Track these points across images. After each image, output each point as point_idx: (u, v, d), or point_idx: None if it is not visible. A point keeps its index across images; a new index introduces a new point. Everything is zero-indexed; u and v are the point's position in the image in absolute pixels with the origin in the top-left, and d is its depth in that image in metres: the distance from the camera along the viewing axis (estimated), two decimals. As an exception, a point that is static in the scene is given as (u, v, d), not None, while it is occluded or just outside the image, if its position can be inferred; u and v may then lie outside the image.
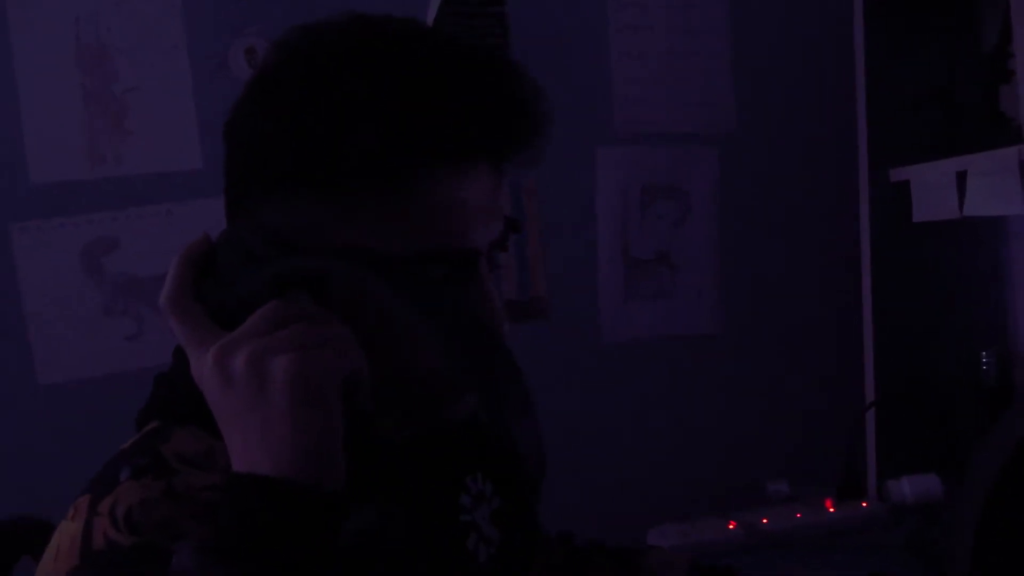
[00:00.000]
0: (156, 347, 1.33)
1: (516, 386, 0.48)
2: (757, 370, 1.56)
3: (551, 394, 0.59)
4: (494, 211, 0.56)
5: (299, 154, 0.52)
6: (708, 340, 1.55)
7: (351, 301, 0.52)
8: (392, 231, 0.52)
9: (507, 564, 0.66)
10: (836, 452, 1.38)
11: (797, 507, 1.32)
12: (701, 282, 1.55)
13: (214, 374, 0.48)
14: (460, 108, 0.52)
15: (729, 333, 1.55)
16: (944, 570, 1.00)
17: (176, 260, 0.52)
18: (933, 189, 1.29)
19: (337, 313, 0.51)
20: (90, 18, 1.32)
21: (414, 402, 0.58)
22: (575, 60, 1.47)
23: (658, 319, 1.53)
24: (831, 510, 1.31)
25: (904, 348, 1.39)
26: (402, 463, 0.57)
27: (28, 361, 1.30)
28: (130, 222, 1.34)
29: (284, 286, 0.50)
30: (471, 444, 0.68)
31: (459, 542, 0.63)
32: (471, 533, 0.64)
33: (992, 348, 1.32)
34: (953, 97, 1.36)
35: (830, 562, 1.22)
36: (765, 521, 1.29)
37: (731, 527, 1.28)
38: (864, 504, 1.33)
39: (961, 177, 1.23)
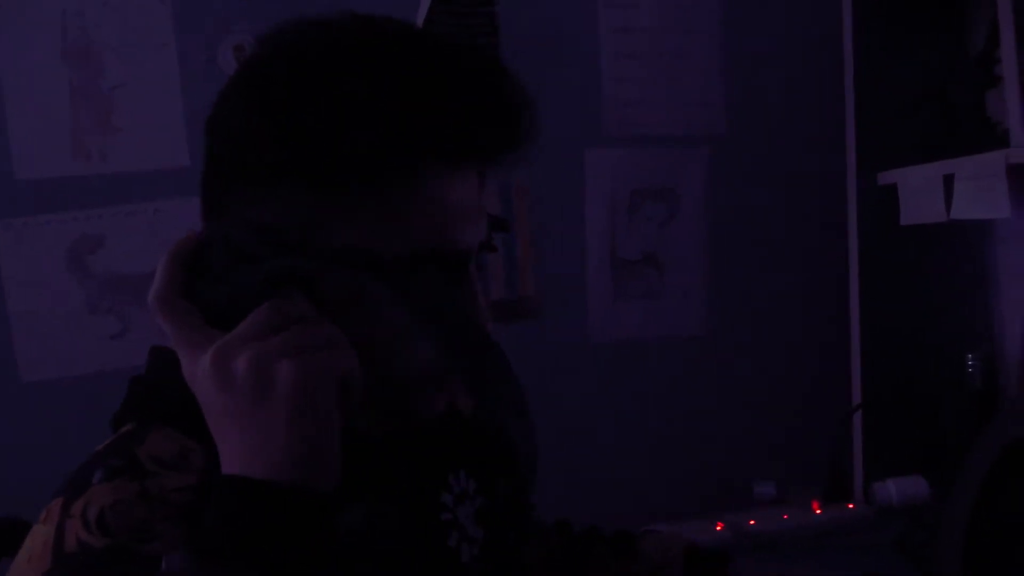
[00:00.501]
0: (141, 346, 1.31)
1: (509, 385, 0.48)
2: (744, 372, 1.57)
3: (539, 394, 0.59)
4: (481, 212, 0.57)
5: (293, 151, 0.51)
6: (695, 341, 1.55)
7: (342, 300, 0.52)
8: (385, 231, 0.52)
9: (492, 563, 0.66)
10: (823, 454, 1.38)
11: (784, 509, 1.33)
12: (689, 283, 1.55)
13: (212, 375, 0.47)
14: (456, 110, 0.52)
15: (716, 334, 1.56)
16: (932, 571, 1.01)
17: (165, 258, 0.51)
18: (920, 192, 1.29)
19: (328, 312, 0.50)
20: (77, 14, 1.31)
21: (393, 399, 0.58)
22: (566, 61, 1.47)
23: (646, 320, 1.54)
24: (818, 512, 1.32)
25: (891, 350, 1.39)
26: (380, 461, 0.57)
27: (11, 359, 1.29)
28: (116, 220, 1.33)
29: (278, 285, 0.49)
30: (453, 442, 0.68)
31: (440, 541, 0.63)
32: (452, 532, 0.63)
33: (978, 351, 1.32)
34: (941, 101, 1.36)
35: (817, 563, 1.22)
36: (752, 523, 1.29)
37: (718, 528, 1.28)
38: (851, 506, 1.33)
39: (948, 181, 1.23)
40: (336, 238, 0.52)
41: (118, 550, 0.48)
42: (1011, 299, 1.36)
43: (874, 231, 1.39)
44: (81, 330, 1.32)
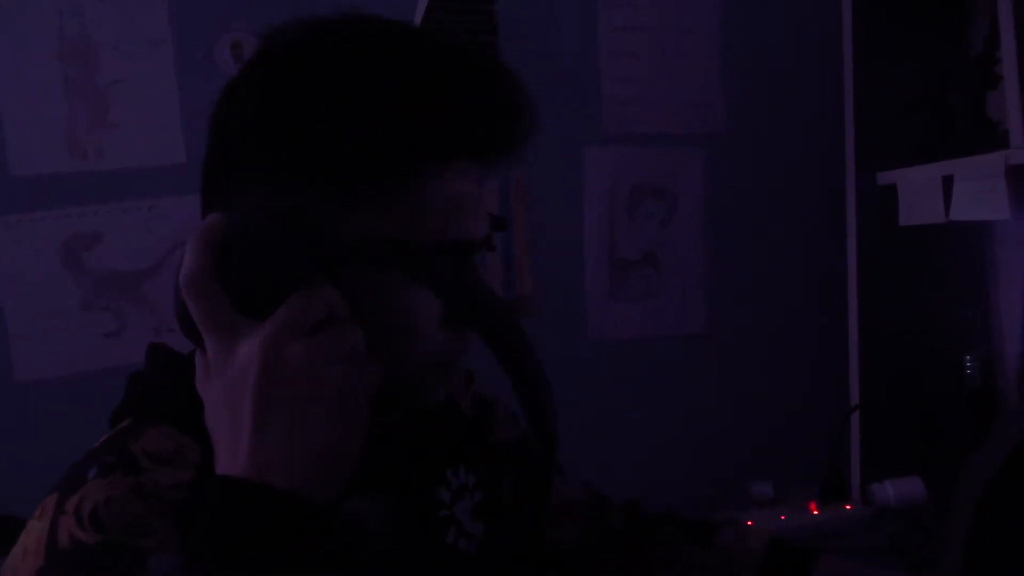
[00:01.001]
0: (136, 344, 1.31)
1: (540, 368, 0.50)
2: (742, 371, 1.56)
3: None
4: (482, 207, 0.57)
5: (299, 148, 0.52)
6: (694, 340, 1.55)
7: (362, 291, 0.52)
8: (388, 225, 0.53)
9: (492, 558, 0.65)
10: (821, 454, 1.38)
11: (781, 509, 1.33)
12: (687, 282, 1.55)
13: (259, 362, 0.46)
14: (457, 109, 0.53)
15: (714, 334, 1.55)
16: (930, 573, 1.01)
17: (195, 240, 0.49)
18: (920, 193, 1.29)
19: (348, 300, 0.51)
20: (74, 10, 1.30)
21: (398, 393, 0.57)
22: (565, 59, 1.47)
23: (644, 319, 1.53)
24: (815, 512, 1.31)
25: (889, 351, 1.39)
26: (376, 458, 0.56)
27: (5, 357, 1.29)
28: (112, 216, 1.32)
29: (306, 274, 0.50)
30: (451, 437, 0.68)
31: (437, 537, 0.62)
32: (450, 527, 0.63)
33: (975, 352, 1.32)
34: (941, 102, 1.36)
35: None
36: (749, 523, 1.29)
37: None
38: (848, 506, 1.33)
39: (948, 181, 1.23)
40: (342, 233, 0.52)
41: (111, 546, 0.48)
42: (1009, 300, 1.36)
43: (873, 231, 1.39)
44: (76, 328, 1.31)
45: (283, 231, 0.51)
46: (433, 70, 0.53)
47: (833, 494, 1.34)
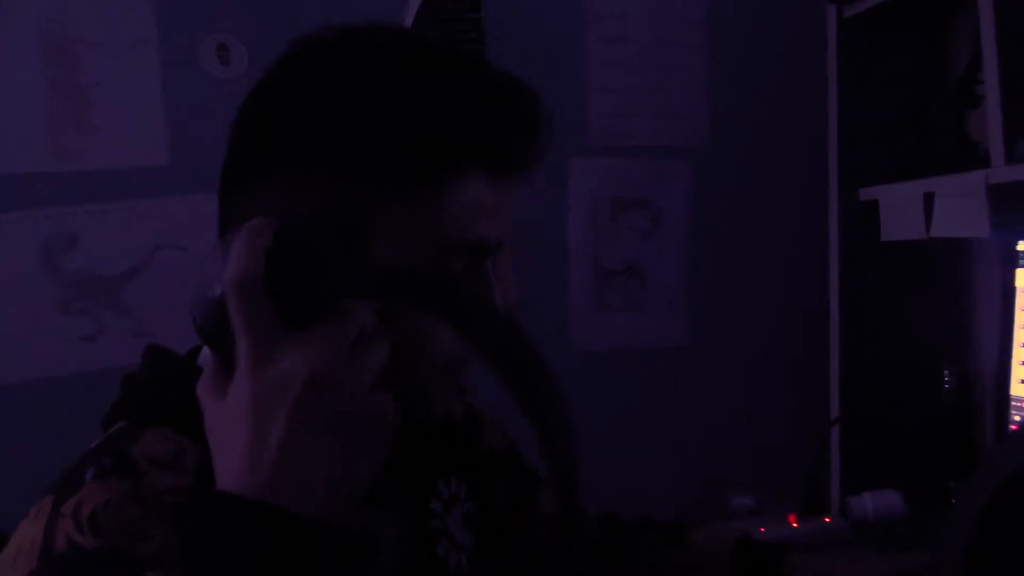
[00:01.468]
0: (114, 349, 1.29)
1: (552, 381, 0.49)
2: (724, 383, 1.57)
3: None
4: (505, 210, 0.60)
5: (333, 152, 0.53)
6: (676, 352, 1.55)
7: (389, 313, 0.52)
8: (418, 228, 0.54)
9: (482, 570, 0.65)
10: (801, 467, 1.39)
11: (761, 521, 1.33)
12: (670, 294, 1.55)
13: (302, 376, 0.44)
14: (489, 121, 0.56)
15: (697, 346, 1.56)
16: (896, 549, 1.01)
17: (244, 241, 0.47)
18: (901, 209, 1.30)
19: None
20: (57, 9, 1.29)
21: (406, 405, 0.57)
22: (551, 70, 1.47)
23: (627, 330, 1.53)
24: (795, 525, 1.32)
25: (869, 365, 1.40)
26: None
27: (-21, 360, 1.26)
28: (91, 218, 1.30)
29: (356, 288, 0.49)
30: (443, 447, 0.67)
31: (429, 549, 0.62)
32: (441, 539, 0.62)
33: (954, 367, 1.34)
34: (923, 120, 1.38)
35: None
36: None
37: (696, 541, 1.27)
38: (827, 519, 1.34)
39: (929, 198, 1.25)
40: (369, 237, 0.53)
41: (110, 551, 0.46)
42: (987, 316, 1.37)
43: (855, 246, 1.40)
44: (52, 331, 1.29)
45: (334, 240, 0.51)
46: (468, 83, 0.56)
47: (813, 506, 1.35)
